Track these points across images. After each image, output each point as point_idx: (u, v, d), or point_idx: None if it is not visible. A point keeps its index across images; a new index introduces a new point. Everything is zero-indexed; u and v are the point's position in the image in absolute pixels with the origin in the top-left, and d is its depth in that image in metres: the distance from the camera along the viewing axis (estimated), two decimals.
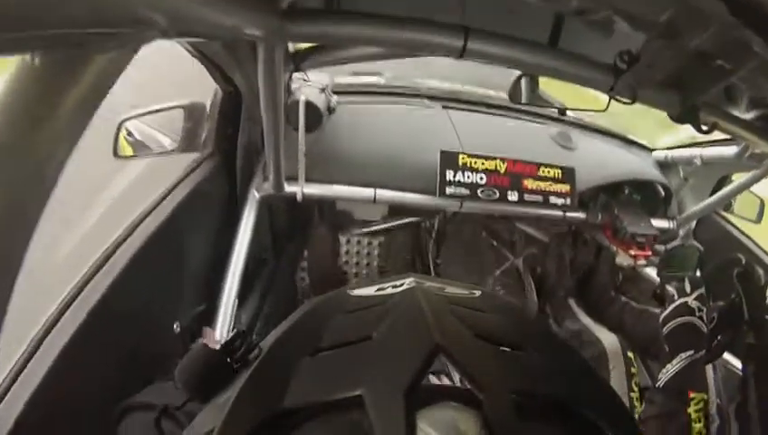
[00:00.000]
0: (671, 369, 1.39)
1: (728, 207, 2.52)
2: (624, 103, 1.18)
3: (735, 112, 1.43)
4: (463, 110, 2.32)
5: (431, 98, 2.34)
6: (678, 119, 1.23)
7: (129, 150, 1.70)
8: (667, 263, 2.02)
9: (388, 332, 0.41)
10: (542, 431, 0.37)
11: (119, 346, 1.28)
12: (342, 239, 2.39)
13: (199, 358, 0.52)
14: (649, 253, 2.27)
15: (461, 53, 1.03)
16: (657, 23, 0.85)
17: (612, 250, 2.35)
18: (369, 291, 0.52)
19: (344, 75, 2.40)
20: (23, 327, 1.06)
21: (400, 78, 2.59)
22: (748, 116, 1.43)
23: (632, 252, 2.26)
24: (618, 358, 1.97)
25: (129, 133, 1.67)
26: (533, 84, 1.82)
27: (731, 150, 2.16)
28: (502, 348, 0.42)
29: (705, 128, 1.26)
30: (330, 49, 1.44)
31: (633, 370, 1.96)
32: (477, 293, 0.53)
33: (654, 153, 2.64)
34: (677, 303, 1.50)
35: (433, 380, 0.64)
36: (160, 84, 2.78)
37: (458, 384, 0.40)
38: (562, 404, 0.38)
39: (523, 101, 1.83)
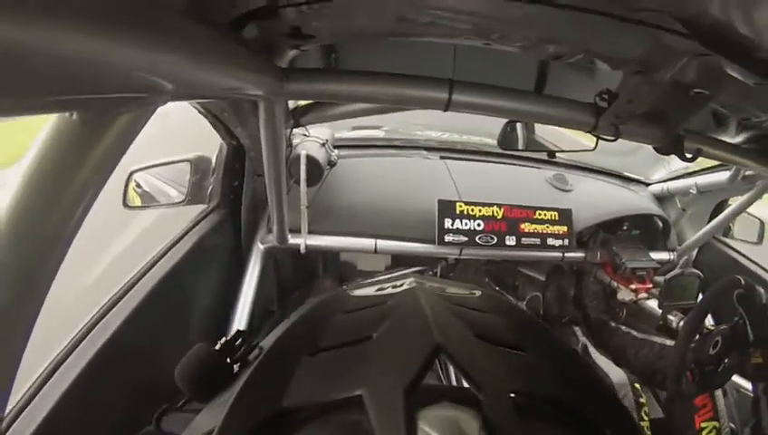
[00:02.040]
0: None
1: (727, 232, 2.63)
2: (607, 141, 1.26)
3: (725, 138, 1.53)
4: (460, 159, 2.42)
5: (429, 149, 2.44)
6: (663, 150, 1.29)
7: (138, 201, 1.80)
8: (668, 293, 2.12)
9: (389, 332, 0.43)
10: (542, 431, 0.38)
11: (122, 385, 1.34)
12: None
13: (199, 358, 0.54)
14: (650, 286, 2.36)
15: (446, 106, 1.10)
16: (630, 60, 0.93)
17: (614, 286, 2.43)
18: (370, 291, 0.55)
19: (345, 130, 2.52)
20: (33, 359, 1.11)
21: (399, 130, 2.71)
22: (737, 140, 1.53)
23: (633, 286, 2.34)
24: (625, 388, 2.01)
25: (138, 185, 1.78)
26: (530, 129, 1.92)
27: (724, 176, 2.27)
28: (502, 348, 0.43)
29: (689, 156, 1.31)
30: (327, 105, 1.52)
31: (642, 400, 1.99)
32: (478, 293, 0.55)
33: (650, 187, 2.75)
34: None
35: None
36: (169, 139, 2.90)
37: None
38: (562, 404, 0.39)
39: (520, 146, 1.93)
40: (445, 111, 1.12)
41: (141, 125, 0.62)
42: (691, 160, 1.32)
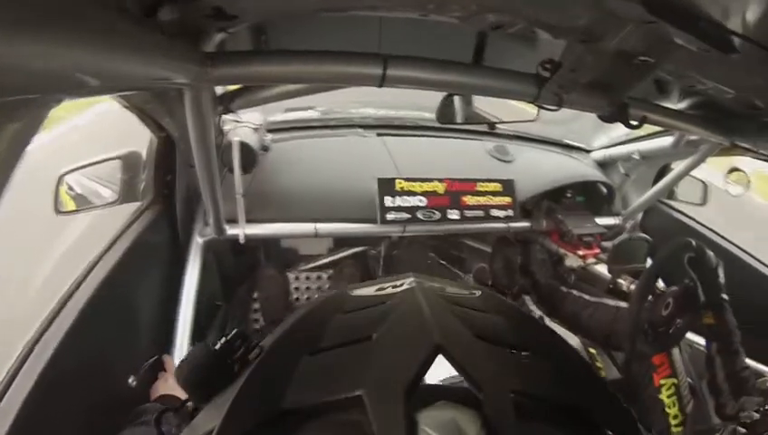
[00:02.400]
0: None
1: (672, 195, 2.69)
2: (550, 110, 1.26)
3: (668, 104, 1.56)
4: (398, 135, 2.42)
5: (365, 127, 2.44)
6: (607, 118, 1.30)
7: (71, 205, 1.73)
8: (617, 257, 2.16)
9: (389, 332, 0.42)
10: (542, 431, 0.38)
11: (75, 402, 1.29)
12: (291, 277, 2.46)
13: (199, 358, 0.53)
14: (597, 251, 2.42)
15: (381, 82, 1.08)
16: (574, 29, 0.92)
17: (561, 253, 2.48)
18: (369, 291, 0.54)
19: (279, 112, 2.48)
20: None
21: (334, 109, 2.68)
22: (680, 106, 1.57)
23: (580, 252, 2.39)
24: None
25: (71, 187, 1.71)
26: (467, 101, 1.93)
27: (667, 141, 2.34)
28: (502, 348, 0.43)
29: (634, 123, 1.33)
30: (256, 89, 1.48)
31: (598, 364, 2.06)
32: (477, 293, 0.55)
33: (593, 154, 2.81)
34: None
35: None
36: (100, 136, 2.81)
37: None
38: (562, 404, 0.39)
39: (459, 119, 1.94)
40: (380, 86, 1.10)
41: (38, 127, 0.58)
42: (636, 128, 1.34)
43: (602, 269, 2.37)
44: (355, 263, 2.53)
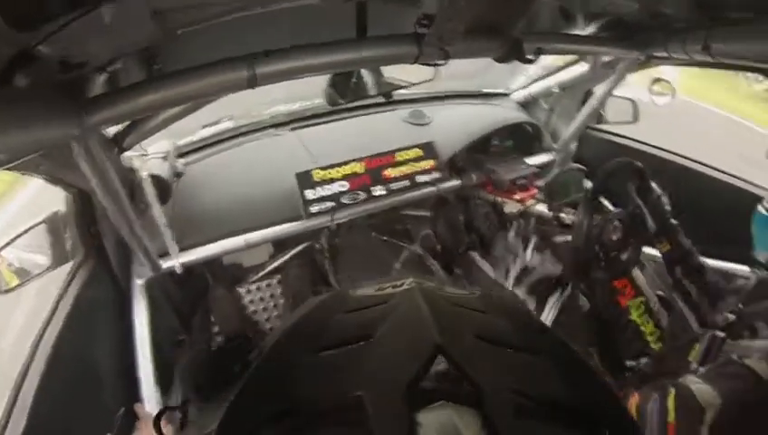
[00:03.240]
0: None
1: (601, 120, 2.77)
2: (437, 65, 1.31)
3: (577, 31, 1.64)
4: (311, 125, 2.47)
5: (277, 125, 2.47)
6: (501, 58, 1.36)
7: (15, 280, 1.72)
8: (553, 193, 2.27)
9: (389, 332, 0.43)
10: (542, 432, 0.38)
11: None
12: (242, 292, 2.50)
13: (200, 359, 0.54)
14: (534, 191, 2.51)
15: (251, 83, 1.12)
16: None
17: (499, 201, 2.58)
18: (369, 291, 0.54)
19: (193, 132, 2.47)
20: None
21: (246, 115, 2.66)
22: (589, 31, 1.64)
23: (517, 197, 2.49)
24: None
25: (10, 263, 1.70)
26: (377, 73, 1.96)
27: (584, 67, 2.42)
28: (501, 349, 0.44)
29: (530, 57, 1.39)
30: (143, 120, 1.52)
31: None
32: (477, 293, 0.55)
33: (513, 96, 2.89)
34: None
35: None
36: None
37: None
38: (562, 405, 0.40)
39: (371, 92, 1.98)
40: (251, 87, 1.15)
41: None
42: (532, 62, 1.41)
43: (543, 208, 2.47)
44: (301, 262, 2.57)
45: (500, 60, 1.36)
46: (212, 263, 2.32)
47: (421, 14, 1.14)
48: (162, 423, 0.64)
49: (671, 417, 1.27)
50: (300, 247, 2.54)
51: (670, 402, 1.29)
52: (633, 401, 1.39)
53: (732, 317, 1.66)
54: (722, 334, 1.61)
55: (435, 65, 1.31)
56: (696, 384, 1.28)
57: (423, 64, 1.30)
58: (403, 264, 2.68)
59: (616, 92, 2.51)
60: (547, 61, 2.59)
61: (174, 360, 2.12)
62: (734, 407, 1.21)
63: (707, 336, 1.53)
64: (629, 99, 2.70)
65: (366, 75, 1.94)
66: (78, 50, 0.91)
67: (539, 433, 0.38)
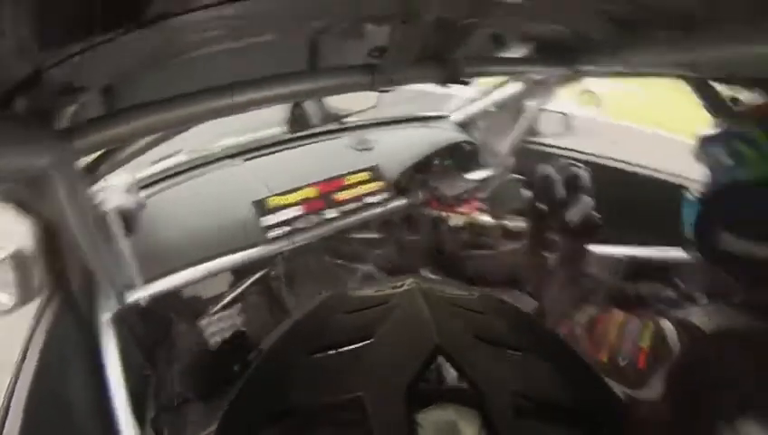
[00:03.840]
0: None
1: (535, 132, 3.02)
2: (385, 92, 1.43)
3: (509, 54, 1.81)
4: (263, 155, 2.56)
5: (232, 156, 2.55)
6: (443, 82, 1.47)
7: None
8: (495, 204, 2.49)
9: (388, 332, 0.44)
10: (541, 432, 0.40)
11: None
12: (203, 324, 2.54)
13: (199, 358, 0.56)
14: (476, 203, 2.74)
15: (232, 111, 1.20)
16: (393, 14, 1.03)
17: (444, 216, 2.78)
18: (369, 291, 0.56)
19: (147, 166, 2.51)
20: None
21: (200, 147, 2.70)
22: (519, 53, 1.82)
23: (461, 210, 2.71)
24: None
25: None
26: (319, 103, 2.12)
27: (517, 86, 2.67)
28: (501, 349, 0.45)
29: (467, 81, 1.52)
30: (117, 149, 1.57)
31: None
32: (476, 294, 0.57)
33: (452, 117, 3.12)
34: None
35: None
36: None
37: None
38: (561, 405, 0.41)
39: (316, 122, 2.15)
40: (232, 115, 1.24)
41: None
42: (467, 84, 1.54)
43: (487, 218, 2.69)
44: (259, 289, 2.66)
45: (442, 83, 1.48)
46: (173, 296, 2.32)
47: (373, 47, 1.24)
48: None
49: (645, 344, 1.40)
50: (258, 275, 2.59)
51: (646, 332, 1.41)
52: (617, 318, 1.50)
53: (673, 293, 1.81)
54: (660, 307, 1.71)
55: (383, 91, 1.44)
56: (669, 327, 1.39)
57: (377, 91, 1.43)
58: (358, 284, 2.72)
59: (548, 107, 2.74)
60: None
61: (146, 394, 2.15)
62: (689, 356, 1.33)
63: (644, 313, 1.53)
64: (561, 112, 2.93)
65: (310, 106, 2.08)
66: (86, 74, 0.95)
67: (538, 433, 0.40)
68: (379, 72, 1.30)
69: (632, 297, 2.09)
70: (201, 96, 1.18)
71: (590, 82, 2.75)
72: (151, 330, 2.41)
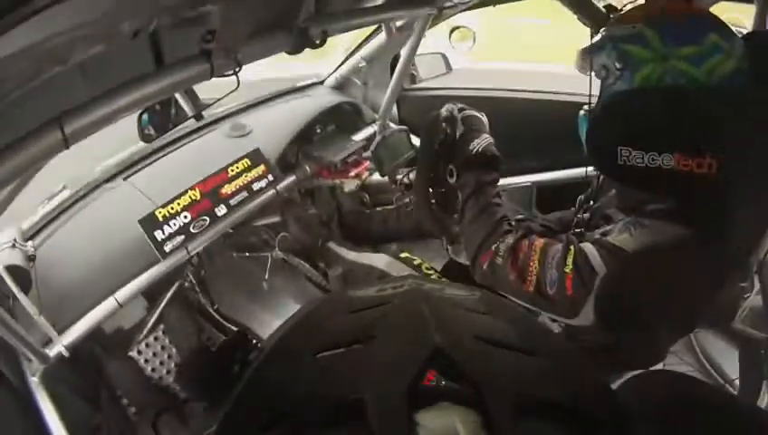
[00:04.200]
0: None
1: (415, 79, 3.14)
2: (228, 75, 1.37)
3: (366, 3, 1.79)
4: (140, 169, 2.49)
5: (108, 180, 2.47)
6: (293, 51, 1.47)
7: None
8: (382, 159, 2.52)
9: (389, 332, 0.44)
10: (541, 432, 0.40)
11: None
12: (134, 354, 2.56)
13: (200, 359, 0.57)
14: (366, 163, 2.79)
15: (66, 145, 1.15)
16: None
17: (338, 184, 2.83)
18: (369, 292, 0.56)
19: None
20: None
21: (80, 179, 2.60)
22: (369, 3, 1.81)
23: (352, 174, 2.75)
24: (395, 265, 2.33)
25: None
26: (192, 95, 2.07)
27: (381, 37, 2.74)
28: (501, 349, 0.45)
29: (318, 42, 1.49)
30: None
31: (417, 262, 2.33)
32: (477, 294, 0.57)
33: (326, 82, 3.16)
34: None
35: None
36: None
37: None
38: (562, 406, 0.41)
39: (189, 115, 2.09)
40: (67, 148, 1.17)
41: None
42: (321, 45, 1.51)
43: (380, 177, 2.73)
44: (176, 304, 2.65)
45: (292, 52, 1.47)
46: (95, 336, 2.28)
47: (204, 31, 1.18)
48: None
49: (569, 268, 1.43)
50: (170, 291, 2.58)
51: (569, 257, 1.44)
52: (539, 243, 1.53)
53: (585, 215, 1.81)
54: (577, 230, 1.72)
55: (229, 75, 1.37)
56: (591, 250, 1.43)
57: (219, 77, 1.35)
58: (271, 272, 2.79)
59: (422, 50, 2.75)
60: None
61: None
62: (615, 277, 1.37)
63: (564, 238, 1.59)
64: (437, 53, 3.04)
65: (182, 101, 2.03)
66: None
67: (538, 433, 0.39)
68: (215, 57, 1.26)
69: (550, 223, 2.13)
70: (31, 139, 1.12)
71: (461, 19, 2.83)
72: (86, 376, 2.39)
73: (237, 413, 0.44)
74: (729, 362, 2.51)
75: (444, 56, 3.09)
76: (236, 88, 1.63)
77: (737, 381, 2.41)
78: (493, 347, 0.44)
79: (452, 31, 2.80)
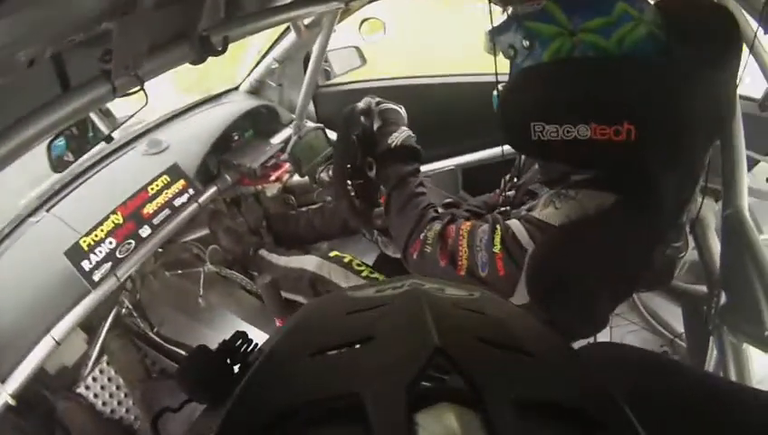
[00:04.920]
0: None
1: (329, 76, 3.18)
2: (133, 93, 1.38)
3: (273, 4, 1.84)
4: (63, 198, 2.47)
5: (31, 214, 2.44)
6: (197, 61, 1.48)
7: None
8: (299, 161, 2.55)
9: (389, 333, 0.45)
10: (541, 432, 0.40)
11: None
12: (82, 391, 2.57)
13: (199, 359, 0.56)
14: (286, 166, 2.83)
15: None
16: (111, 12, 1.02)
17: (260, 189, 2.92)
18: (369, 292, 0.57)
19: None
20: None
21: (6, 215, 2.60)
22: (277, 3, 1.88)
23: (273, 177, 2.80)
24: (325, 265, 2.40)
25: None
26: (107, 112, 2.11)
27: (291, 38, 2.81)
28: (501, 350, 0.45)
29: (219, 49, 1.51)
30: None
31: (347, 260, 2.40)
32: (477, 294, 0.58)
33: (241, 87, 3.21)
34: None
35: None
36: None
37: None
38: (563, 407, 0.42)
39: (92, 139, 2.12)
40: None
41: None
42: (223, 51, 1.53)
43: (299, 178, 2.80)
44: (116, 332, 2.67)
45: (195, 62, 1.48)
46: (41, 378, 2.29)
47: (101, 51, 1.20)
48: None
49: (497, 248, 1.46)
50: (108, 321, 2.58)
51: (496, 237, 1.48)
52: (466, 227, 1.57)
53: (511, 193, 1.87)
54: (502, 209, 1.79)
55: (129, 94, 1.38)
56: (517, 226, 1.48)
57: (123, 96, 1.35)
58: (205, 287, 2.80)
59: (334, 45, 2.84)
60: None
61: None
62: (544, 252, 1.43)
63: (490, 218, 1.62)
64: (350, 46, 3.09)
65: (98, 121, 2.06)
66: None
67: (538, 434, 0.40)
68: (118, 75, 1.26)
69: (477, 206, 2.19)
70: None
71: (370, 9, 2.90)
72: (38, 421, 2.40)
73: (237, 413, 0.45)
74: (675, 316, 2.61)
75: (358, 49, 3.15)
76: (145, 104, 1.73)
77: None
78: (493, 347, 0.45)
79: (362, 23, 2.84)
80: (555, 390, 0.43)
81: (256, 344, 0.57)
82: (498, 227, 1.51)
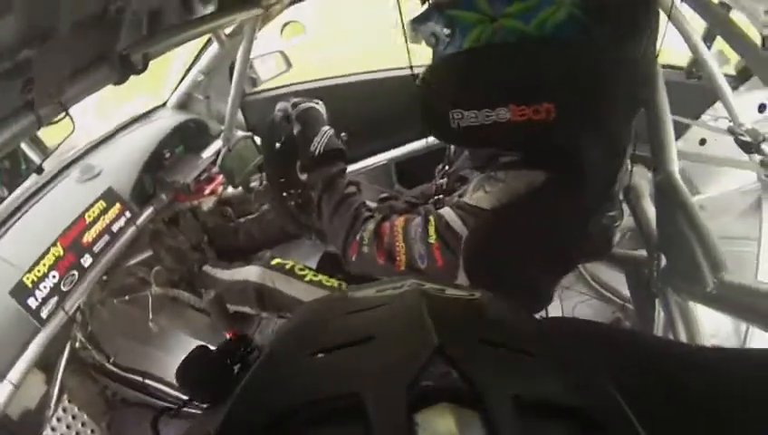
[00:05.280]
0: None
1: (256, 82, 3.25)
2: (60, 120, 1.40)
3: (192, 16, 1.84)
4: (2, 235, 2.36)
5: None
6: (120, 80, 1.50)
7: None
8: (230, 172, 2.63)
9: (389, 333, 0.46)
10: (541, 432, 0.41)
11: None
12: (48, 433, 2.55)
13: (199, 359, 0.58)
14: (219, 178, 2.89)
15: None
16: (30, 40, 1.04)
17: (195, 205, 2.93)
18: (369, 292, 0.57)
19: None
20: None
21: None
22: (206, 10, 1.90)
23: (207, 191, 2.86)
24: (267, 274, 2.41)
25: None
26: (36, 140, 2.13)
27: (215, 47, 2.86)
28: (501, 350, 0.46)
29: (140, 67, 1.54)
30: None
31: (289, 266, 2.41)
32: (477, 294, 0.58)
33: (169, 102, 3.23)
34: None
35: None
36: None
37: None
38: (563, 407, 0.42)
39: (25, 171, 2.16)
40: None
41: None
42: (143, 69, 1.55)
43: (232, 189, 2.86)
44: (73, 367, 2.66)
45: (118, 82, 1.49)
46: (5, 425, 2.26)
47: (22, 81, 1.18)
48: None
49: (433, 238, 1.50)
50: (64, 356, 2.54)
51: (430, 227, 1.51)
52: (399, 222, 1.60)
53: (443, 181, 1.93)
54: (435, 198, 1.85)
55: (58, 121, 1.39)
56: (450, 214, 1.53)
57: (48, 125, 1.37)
58: (154, 310, 2.79)
59: (257, 52, 2.90)
60: None
61: None
62: (478, 237, 1.47)
63: (422, 209, 1.67)
64: (275, 51, 3.14)
65: (29, 152, 2.09)
66: None
67: (538, 434, 0.40)
68: (39, 105, 1.25)
69: (413, 198, 2.24)
70: None
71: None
72: None
73: (238, 413, 0.45)
74: (623, 283, 2.62)
75: (282, 54, 3.19)
76: (72, 131, 1.80)
77: None
78: (493, 347, 0.46)
79: (283, 26, 2.94)
80: (555, 390, 0.44)
81: (256, 345, 0.59)
82: (431, 217, 1.56)
